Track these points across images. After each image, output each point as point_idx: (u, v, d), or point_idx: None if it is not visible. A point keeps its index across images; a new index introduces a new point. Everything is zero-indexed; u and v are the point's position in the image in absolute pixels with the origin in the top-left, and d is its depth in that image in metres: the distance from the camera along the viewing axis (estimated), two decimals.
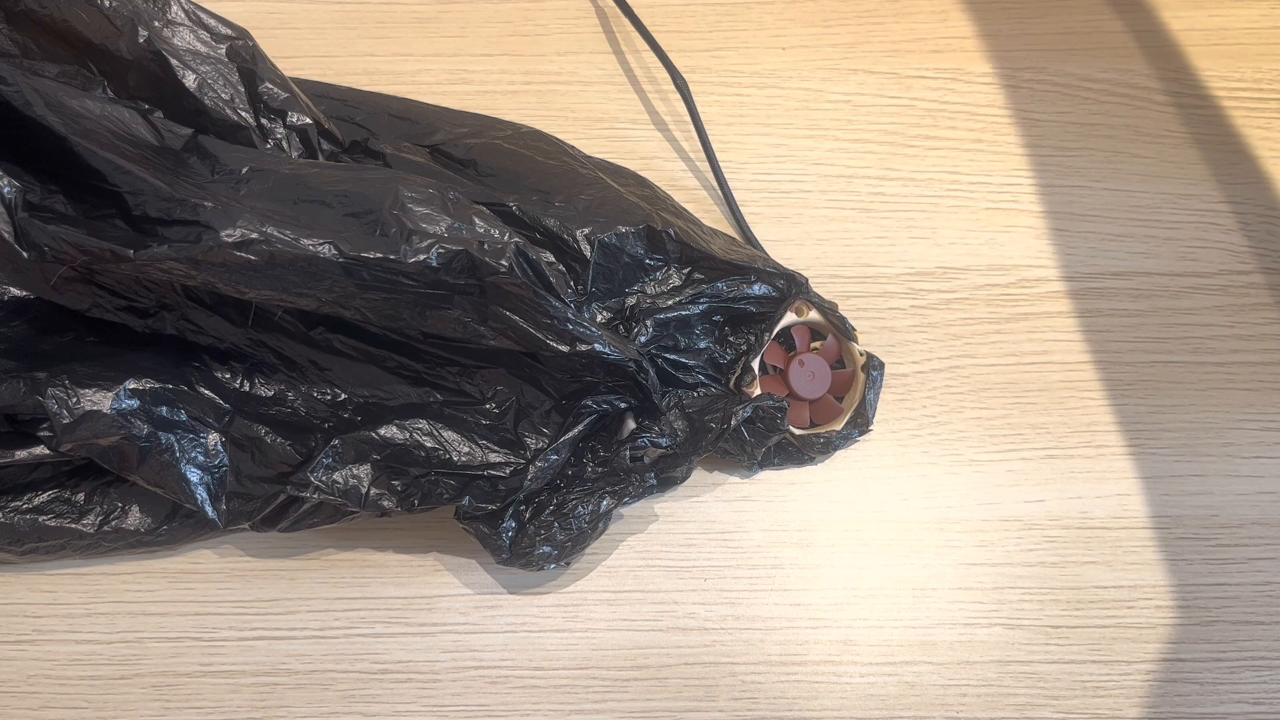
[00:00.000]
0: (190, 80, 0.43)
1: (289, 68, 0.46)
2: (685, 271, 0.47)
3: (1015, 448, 0.49)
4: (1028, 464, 0.49)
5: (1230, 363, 0.50)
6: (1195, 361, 0.50)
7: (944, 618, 0.46)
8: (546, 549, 0.43)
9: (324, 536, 0.47)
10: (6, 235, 0.39)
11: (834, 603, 0.46)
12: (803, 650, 0.46)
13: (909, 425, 0.49)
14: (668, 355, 0.46)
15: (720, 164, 0.53)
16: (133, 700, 0.45)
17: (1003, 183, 0.54)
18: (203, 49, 0.43)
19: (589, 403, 0.44)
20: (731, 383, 0.47)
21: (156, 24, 0.42)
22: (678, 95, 0.53)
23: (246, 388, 0.44)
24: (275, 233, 0.38)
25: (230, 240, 0.38)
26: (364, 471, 0.42)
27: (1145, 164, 0.55)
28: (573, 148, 0.49)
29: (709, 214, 0.53)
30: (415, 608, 0.46)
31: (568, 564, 0.46)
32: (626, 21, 0.56)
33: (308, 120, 0.45)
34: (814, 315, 0.49)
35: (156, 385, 0.42)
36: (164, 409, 0.42)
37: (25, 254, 0.40)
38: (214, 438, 0.42)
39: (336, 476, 0.42)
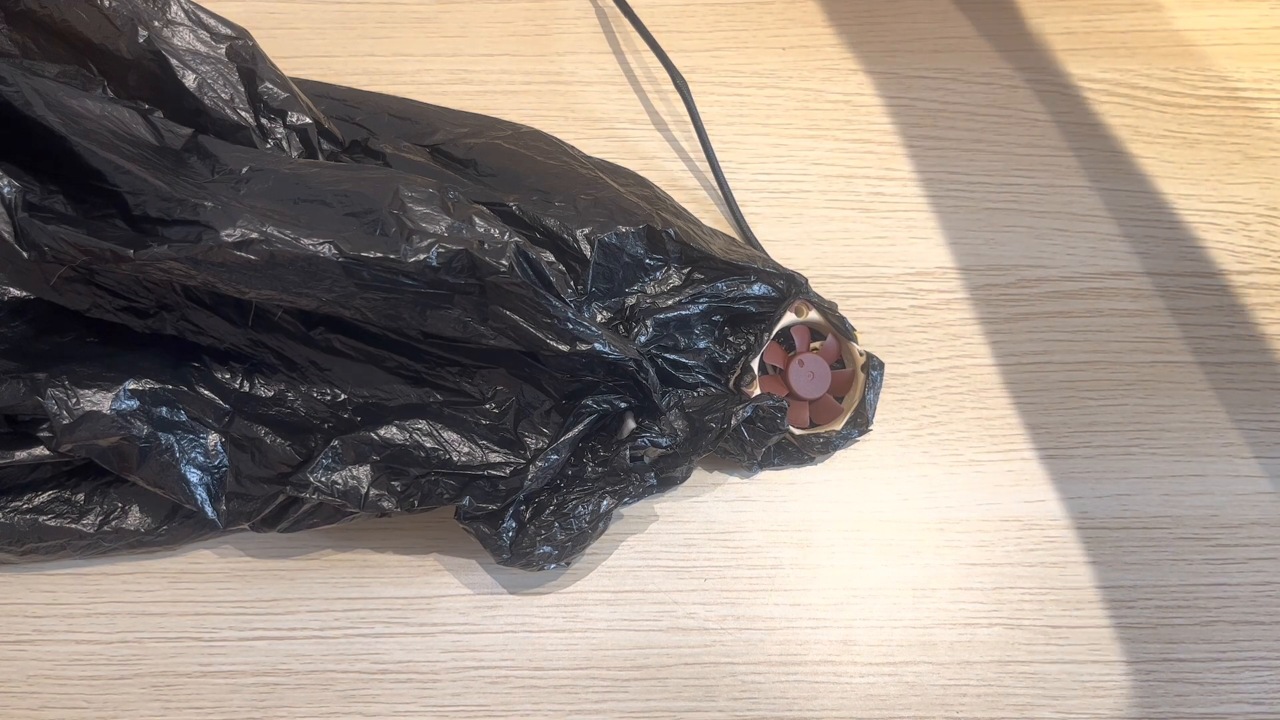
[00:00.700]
0: (190, 80, 0.43)
1: (289, 68, 0.46)
2: (685, 271, 0.47)
3: (1015, 448, 0.49)
4: (1028, 464, 0.49)
5: (1230, 363, 0.50)
6: (1195, 361, 0.50)
7: (944, 618, 0.46)
8: (547, 549, 0.43)
9: (324, 537, 0.47)
10: (6, 235, 0.39)
11: (834, 603, 0.46)
12: (803, 650, 0.46)
13: (909, 425, 0.49)
14: (668, 355, 0.46)
15: (720, 164, 0.53)
16: (133, 700, 0.44)
17: (1003, 183, 0.54)
18: (202, 49, 0.43)
19: (589, 402, 0.44)
20: (731, 383, 0.47)
21: (156, 24, 0.42)
22: (677, 95, 0.53)
23: (246, 388, 0.44)
24: (275, 232, 0.38)
25: (230, 240, 0.38)
26: (363, 472, 0.42)
27: (1145, 164, 0.55)
28: (572, 148, 0.49)
29: (709, 214, 0.53)
30: (415, 608, 0.46)
31: (568, 564, 0.46)
32: (626, 21, 0.56)
33: (307, 120, 0.45)
34: (814, 315, 0.49)
35: (156, 386, 0.42)
36: (164, 409, 0.42)
37: (25, 254, 0.40)
38: (214, 438, 0.42)
39: (336, 477, 0.42)
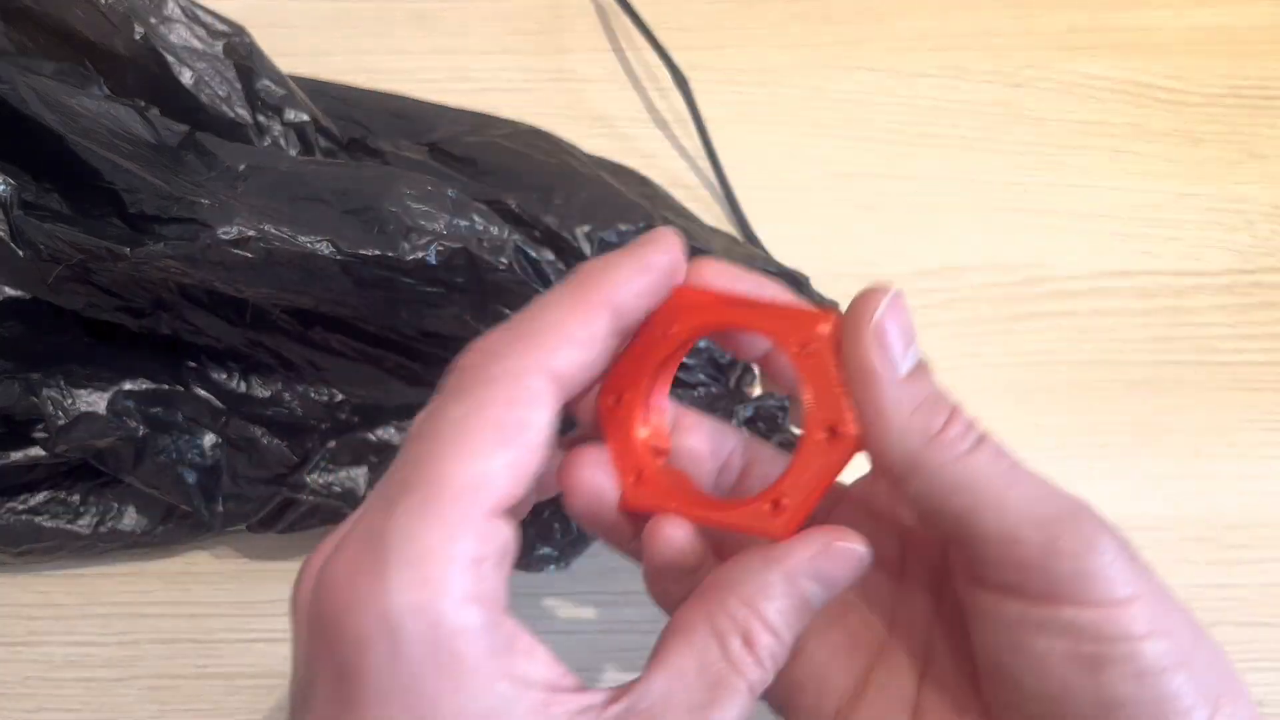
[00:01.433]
0: (187, 77, 0.42)
1: (286, 65, 0.46)
2: None
3: (1018, 448, 0.48)
4: (1031, 464, 0.48)
5: (1235, 363, 0.50)
6: (1200, 361, 0.50)
7: None
8: (546, 550, 0.43)
9: (322, 538, 0.46)
10: (2, 234, 0.39)
11: None
12: None
13: None
14: None
15: (721, 162, 0.53)
16: (129, 702, 0.44)
17: (1006, 181, 0.54)
18: (199, 45, 0.43)
19: None
20: (732, 382, 0.47)
21: (153, 20, 0.42)
22: (678, 93, 0.53)
23: (243, 388, 0.44)
24: (273, 230, 0.38)
25: (227, 238, 0.37)
26: (361, 473, 0.42)
27: (1149, 162, 0.54)
28: (572, 145, 0.49)
29: (709, 213, 0.53)
30: None
31: (568, 566, 0.45)
32: (626, 18, 0.55)
33: (305, 117, 0.45)
34: None
35: (152, 386, 0.42)
36: (160, 410, 0.42)
37: (21, 253, 0.39)
38: (210, 439, 0.42)
39: (333, 478, 0.42)
